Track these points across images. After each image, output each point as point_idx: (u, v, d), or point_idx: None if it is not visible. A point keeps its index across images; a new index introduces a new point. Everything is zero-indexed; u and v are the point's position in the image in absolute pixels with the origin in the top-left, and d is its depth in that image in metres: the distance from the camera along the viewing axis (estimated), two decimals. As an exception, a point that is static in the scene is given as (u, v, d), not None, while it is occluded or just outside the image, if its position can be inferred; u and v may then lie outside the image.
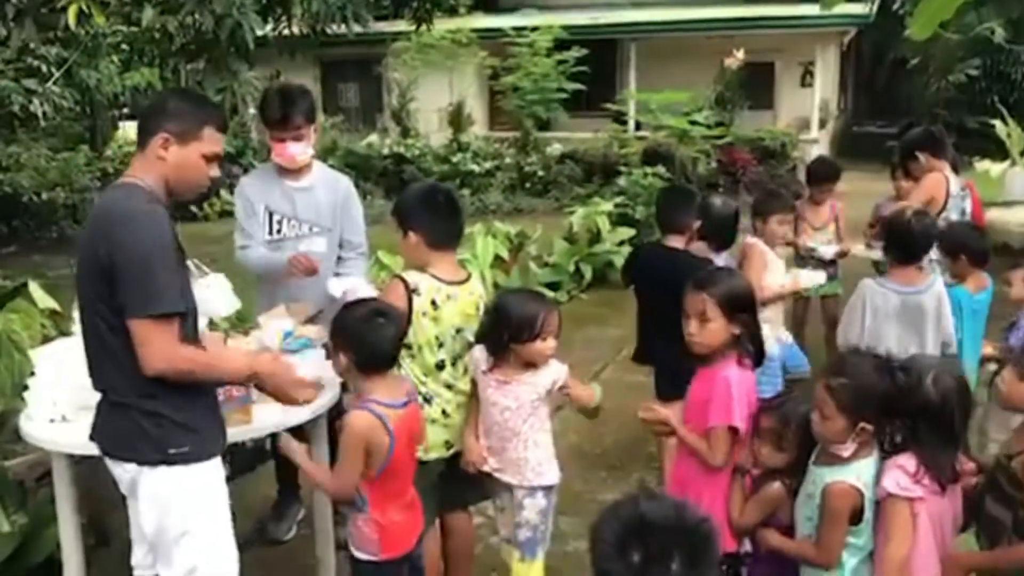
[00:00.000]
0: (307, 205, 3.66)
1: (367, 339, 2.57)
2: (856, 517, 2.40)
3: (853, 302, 3.79)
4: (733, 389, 2.66)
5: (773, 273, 4.22)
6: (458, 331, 3.02)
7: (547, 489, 3.03)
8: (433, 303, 2.94)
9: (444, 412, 3.03)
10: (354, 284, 3.55)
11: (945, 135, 5.19)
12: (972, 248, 4.02)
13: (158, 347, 2.32)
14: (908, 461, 2.35)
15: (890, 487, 2.33)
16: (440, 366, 3.02)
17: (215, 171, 2.56)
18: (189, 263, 2.64)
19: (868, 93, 23.19)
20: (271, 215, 3.67)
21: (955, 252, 4.03)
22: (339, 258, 3.76)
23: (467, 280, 3.07)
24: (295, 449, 2.78)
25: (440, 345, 2.99)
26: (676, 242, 3.91)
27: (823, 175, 5.49)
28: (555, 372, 2.96)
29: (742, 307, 2.71)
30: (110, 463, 2.56)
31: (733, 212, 4.22)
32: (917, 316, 3.65)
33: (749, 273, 3.93)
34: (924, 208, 4.20)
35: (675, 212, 3.97)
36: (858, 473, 2.39)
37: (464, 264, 3.29)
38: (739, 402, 2.65)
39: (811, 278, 4.51)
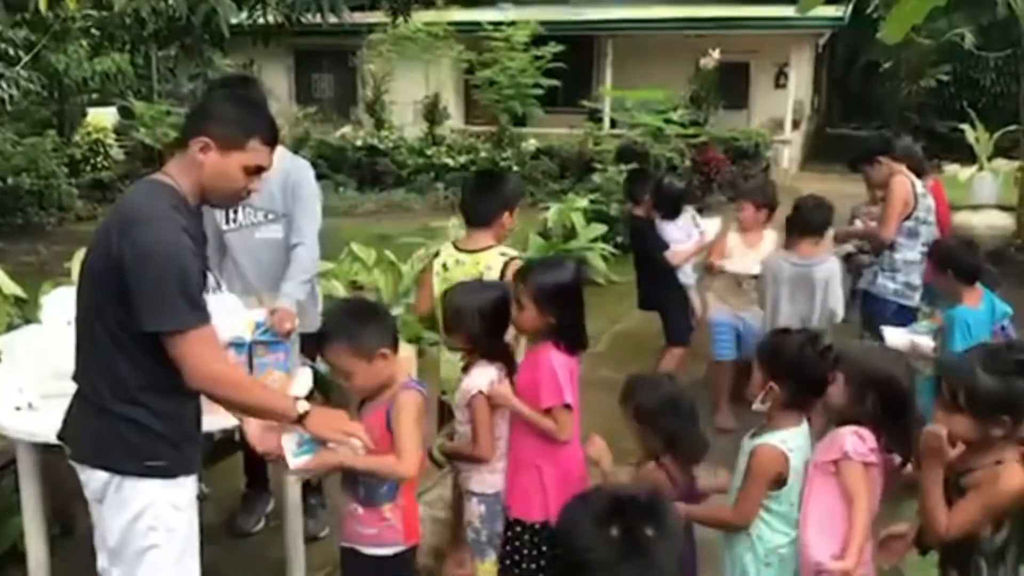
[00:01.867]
0: (261, 191, 3.58)
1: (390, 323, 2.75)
2: (779, 483, 2.52)
3: (763, 272, 4.55)
4: (557, 371, 2.82)
5: (735, 256, 4.87)
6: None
7: (485, 497, 3.02)
8: (444, 265, 3.47)
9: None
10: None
11: (894, 139, 5.29)
12: (959, 262, 3.97)
13: (201, 358, 2.25)
14: (866, 431, 2.47)
15: (848, 449, 2.44)
16: None
17: (255, 184, 2.42)
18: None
19: (841, 95, 23.45)
20: None
21: (943, 266, 4.01)
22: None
23: (482, 251, 3.42)
24: (345, 457, 2.54)
25: None
26: (638, 210, 5.35)
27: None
28: (488, 375, 2.92)
29: (554, 298, 2.82)
30: (77, 467, 2.42)
31: (679, 190, 5.39)
32: (807, 285, 4.34)
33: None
34: (822, 198, 4.57)
35: (634, 188, 5.46)
36: (784, 439, 2.52)
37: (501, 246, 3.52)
38: (565, 382, 2.82)
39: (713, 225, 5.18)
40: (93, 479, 2.39)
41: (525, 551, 2.92)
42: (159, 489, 2.36)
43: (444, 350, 3.32)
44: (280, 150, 3.69)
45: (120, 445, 2.32)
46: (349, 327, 2.57)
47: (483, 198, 3.54)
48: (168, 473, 2.37)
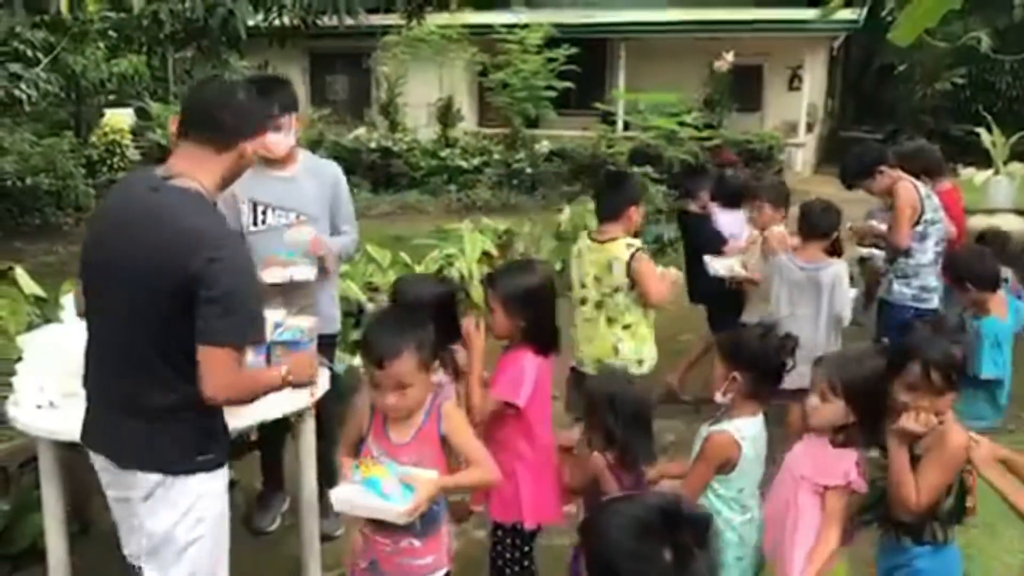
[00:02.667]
0: (292, 194, 3.62)
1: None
2: (729, 469, 2.60)
3: (771, 274, 4.57)
4: (526, 372, 2.82)
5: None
6: (596, 278, 3.91)
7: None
8: (579, 252, 4.05)
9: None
10: (288, 274, 3.45)
11: (887, 146, 5.24)
12: (975, 272, 3.92)
13: (225, 375, 2.26)
14: (855, 456, 2.52)
15: (852, 479, 2.48)
16: (583, 301, 4.03)
17: None
18: None
19: (855, 98, 23.33)
20: (255, 206, 3.63)
21: (960, 279, 3.97)
22: None
23: (609, 242, 3.88)
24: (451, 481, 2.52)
25: (582, 285, 4.01)
26: (693, 205, 5.41)
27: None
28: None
29: (522, 301, 2.84)
30: (121, 474, 2.43)
31: (740, 181, 5.46)
32: (813, 288, 4.35)
33: None
34: (829, 201, 4.59)
35: (690, 183, 5.53)
36: (739, 427, 2.60)
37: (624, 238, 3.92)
38: (528, 384, 2.82)
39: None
40: (144, 482, 2.39)
41: (508, 554, 2.96)
42: (207, 482, 2.43)
43: (580, 324, 3.99)
44: (304, 152, 3.75)
45: (172, 445, 2.36)
46: (416, 335, 2.38)
47: (612, 195, 4.01)
48: (215, 465, 2.44)
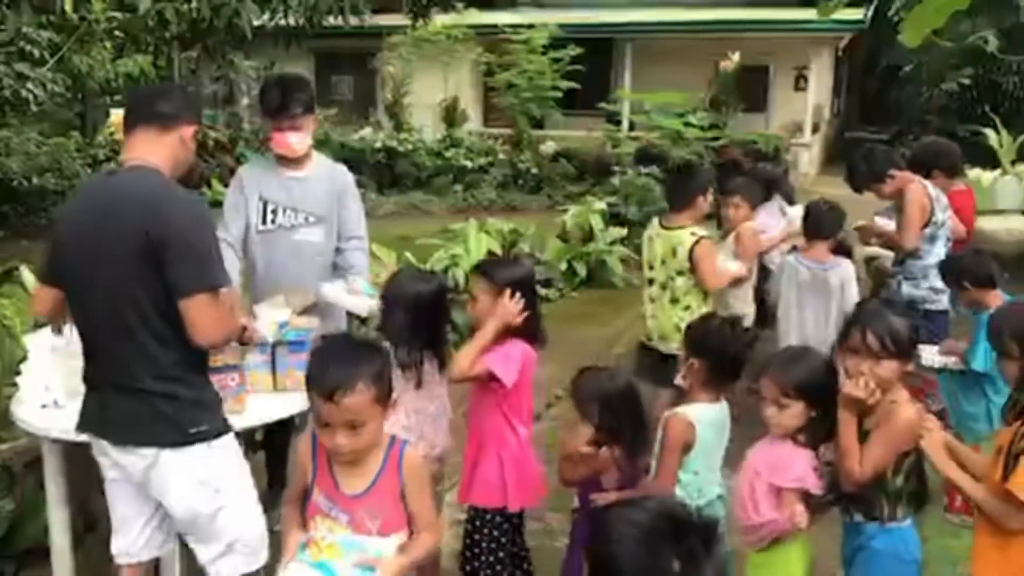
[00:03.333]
0: (303, 195, 3.64)
1: None
2: (686, 451, 2.68)
3: (777, 273, 4.64)
4: (516, 354, 2.86)
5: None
6: (662, 262, 4.20)
7: None
8: (650, 238, 4.31)
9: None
10: (343, 298, 3.53)
11: (894, 148, 5.20)
12: (972, 273, 3.93)
13: (217, 318, 2.44)
14: (811, 457, 2.55)
15: (809, 485, 2.51)
16: (651, 281, 4.32)
17: None
18: None
19: (861, 99, 23.31)
20: (265, 204, 3.65)
21: (958, 282, 3.97)
22: (338, 249, 3.73)
23: (676, 229, 4.17)
24: None
25: (651, 267, 4.31)
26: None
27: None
28: None
29: (512, 293, 2.85)
30: (119, 452, 2.52)
31: (771, 174, 5.58)
32: (822, 288, 4.37)
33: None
34: (834, 201, 4.60)
35: (724, 179, 5.14)
36: (694, 411, 2.71)
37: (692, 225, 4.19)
38: (516, 366, 2.85)
39: (799, 212, 4.78)
40: (138, 460, 2.49)
41: (484, 544, 2.97)
42: (207, 453, 2.51)
43: (648, 302, 4.33)
44: (318, 154, 3.76)
45: (160, 420, 2.45)
46: (373, 365, 2.12)
47: (682, 185, 4.27)
48: (210, 435, 2.52)
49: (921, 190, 4.59)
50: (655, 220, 4.39)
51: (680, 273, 4.16)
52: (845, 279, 4.35)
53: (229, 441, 2.60)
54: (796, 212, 5.24)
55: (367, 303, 3.50)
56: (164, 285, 2.36)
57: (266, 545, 2.71)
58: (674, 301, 4.21)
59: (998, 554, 2.38)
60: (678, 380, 2.84)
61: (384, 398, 2.13)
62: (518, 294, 2.86)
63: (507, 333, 2.89)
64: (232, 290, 2.92)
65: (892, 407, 2.43)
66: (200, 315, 2.38)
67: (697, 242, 4.09)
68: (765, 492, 2.53)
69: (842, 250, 4.59)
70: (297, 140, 3.55)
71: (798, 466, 2.50)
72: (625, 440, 2.75)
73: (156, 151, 2.52)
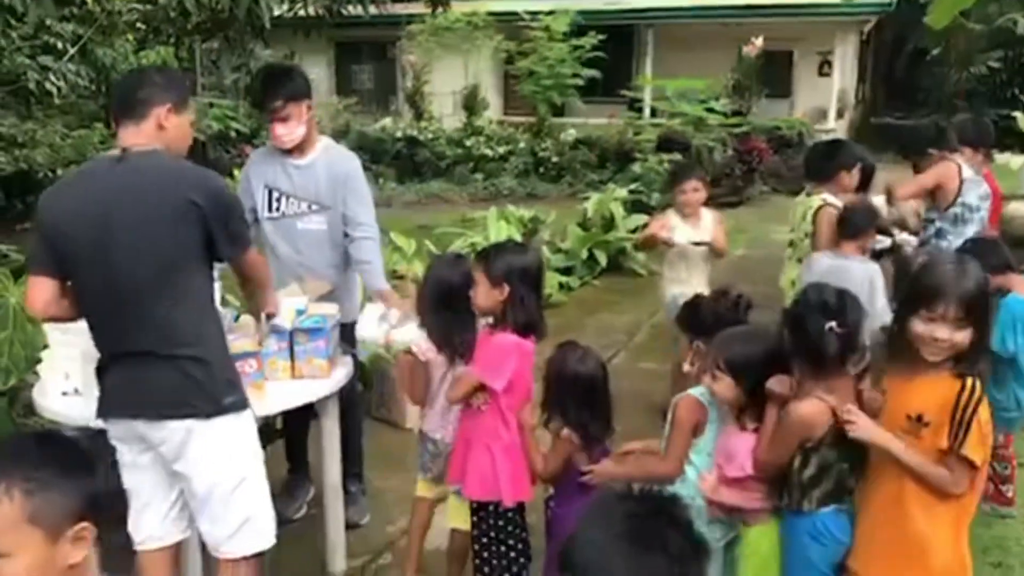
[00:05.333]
0: (306, 183, 3.61)
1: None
2: (698, 432, 2.67)
3: (803, 270, 4.55)
4: (506, 354, 2.80)
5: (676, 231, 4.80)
6: (799, 223, 4.60)
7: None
8: (796, 203, 4.73)
9: None
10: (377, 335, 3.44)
11: (951, 129, 5.10)
12: (990, 260, 3.76)
13: (262, 263, 2.81)
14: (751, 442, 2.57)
15: (747, 469, 2.55)
16: (790, 243, 4.74)
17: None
18: None
19: (887, 83, 22.97)
20: (270, 192, 3.64)
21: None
22: (345, 235, 3.68)
23: (814, 196, 4.50)
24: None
25: (792, 230, 4.71)
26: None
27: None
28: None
29: (504, 280, 2.80)
30: (151, 428, 2.52)
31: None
32: (843, 280, 4.05)
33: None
34: (871, 204, 4.53)
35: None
36: (702, 391, 2.66)
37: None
38: (508, 367, 2.79)
39: (684, 234, 4.76)
40: (174, 433, 2.50)
41: (492, 535, 2.94)
42: (236, 424, 2.56)
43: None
44: (325, 141, 3.73)
45: (196, 390, 2.49)
46: (33, 476, 1.49)
47: (822, 160, 4.65)
48: (240, 407, 2.58)
49: (951, 167, 4.54)
50: (807, 187, 4.83)
51: (807, 235, 4.53)
52: (869, 279, 4.23)
53: (250, 416, 2.65)
54: (878, 201, 5.18)
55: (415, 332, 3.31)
56: (205, 249, 2.49)
57: (274, 526, 2.72)
58: (799, 260, 4.58)
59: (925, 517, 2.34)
60: (685, 367, 2.80)
61: (46, 523, 1.47)
62: (512, 281, 2.80)
63: (498, 321, 2.84)
64: None
65: (792, 404, 2.45)
66: (252, 267, 2.70)
67: (821, 207, 4.41)
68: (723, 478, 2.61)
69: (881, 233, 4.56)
70: (285, 131, 3.51)
71: (740, 454, 2.56)
72: (577, 422, 2.73)
73: (142, 138, 2.53)
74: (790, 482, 2.50)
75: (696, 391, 2.70)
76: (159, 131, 2.55)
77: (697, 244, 4.76)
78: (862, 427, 2.36)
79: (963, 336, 2.23)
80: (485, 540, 2.96)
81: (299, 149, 3.59)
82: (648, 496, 1.43)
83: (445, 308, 3.01)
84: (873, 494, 2.45)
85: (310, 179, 3.60)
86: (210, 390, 2.50)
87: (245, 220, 2.74)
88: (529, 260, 2.91)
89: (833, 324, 2.40)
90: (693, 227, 4.78)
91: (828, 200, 4.43)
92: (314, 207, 3.61)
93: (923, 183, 4.61)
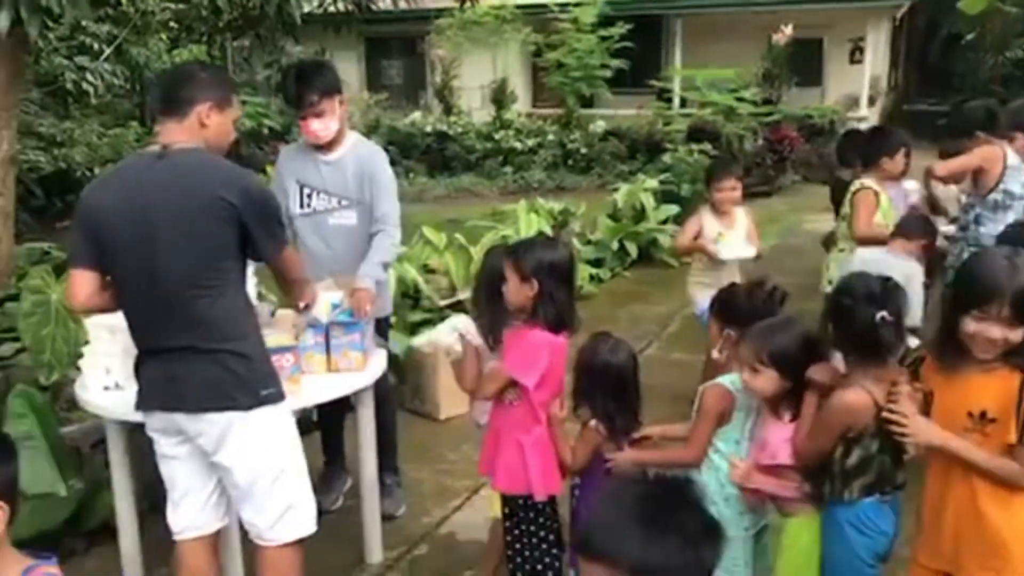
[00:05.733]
0: (335, 178, 3.64)
1: None
2: (724, 420, 2.67)
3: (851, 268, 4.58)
4: (538, 350, 2.78)
5: (701, 232, 4.72)
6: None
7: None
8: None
9: None
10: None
11: (1000, 111, 4.99)
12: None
13: (299, 263, 2.81)
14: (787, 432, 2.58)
15: (778, 458, 2.57)
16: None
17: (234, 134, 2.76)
18: None
19: (921, 69, 22.62)
20: (302, 188, 3.68)
21: None
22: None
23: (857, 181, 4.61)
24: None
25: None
26: (845, 174, 5.35)
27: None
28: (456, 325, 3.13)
29: (533, 276, 2.78)
30: (190, 420, 2.56)
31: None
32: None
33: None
34: (927, 217, 4.56)
35: (845, 150, 5.53)
36: (733, 380, 2.67)
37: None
38: (539, 364, 2.77)
39: (732, 250, 4.63)
40: (213, 426, 2.54)
41: (524, 526, 2.94)
42: (276, 415, 2.61)
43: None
44: (354, 136, 3.76)
45: (236, 383, 2.52)
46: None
47: (866, 147, 4.75)
48: (279, 398, 2.62)
49: (996, 151, 4.46)
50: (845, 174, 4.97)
51: (844, 218, 4.61)
52: (908, 278, 4.19)
53: (288, 407, 2.70)
54: (912, 186, 5.17)
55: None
56: (240, 247, 2.52)
57: (315, 514, 2.77)
58: (837, 244, 4.69)
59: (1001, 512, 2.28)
60: (714, 354, 2.81)
61: None
62: (541, 276, 2.78)
63: (527, 316, 2.83)
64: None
65: (837, 390, 2.43)
66: (290, 266, 2.71)
67: (859, 190, 4.46)
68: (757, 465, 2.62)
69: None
70: (321, 126, 3.54)
71: (773, 442, 2.56)
72: (605, 413, 2.75)
73: (183, 135, 2.56)
74: (831, 471, 2.48)
75: (725, 379, 2.70)
76: (201, 128, 2.58)
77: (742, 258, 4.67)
78: (922, 433, 2.30)
79: (1017, 334, 2.16)
80: (517, 532, 2.97)
81: (329, 145, 3.62)
82: (662, 480, 1.43)
83: (500, 298, 2.99)
84: (942, 490, 2.36)
85: (340, 174, 3.63)
86: (250, 383, 2.54)
87: (281, 220, 2.75)
88: (558, 255, 2.88)
89: (884, 313, 2.38)
90: (727, 226, 4.69)
91: (866, 183, 4.46)
92: (344, 202, 3.64)
93: (967, 163, 4.50)
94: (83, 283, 2.57)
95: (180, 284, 2.48)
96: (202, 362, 2.52)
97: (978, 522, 2.28)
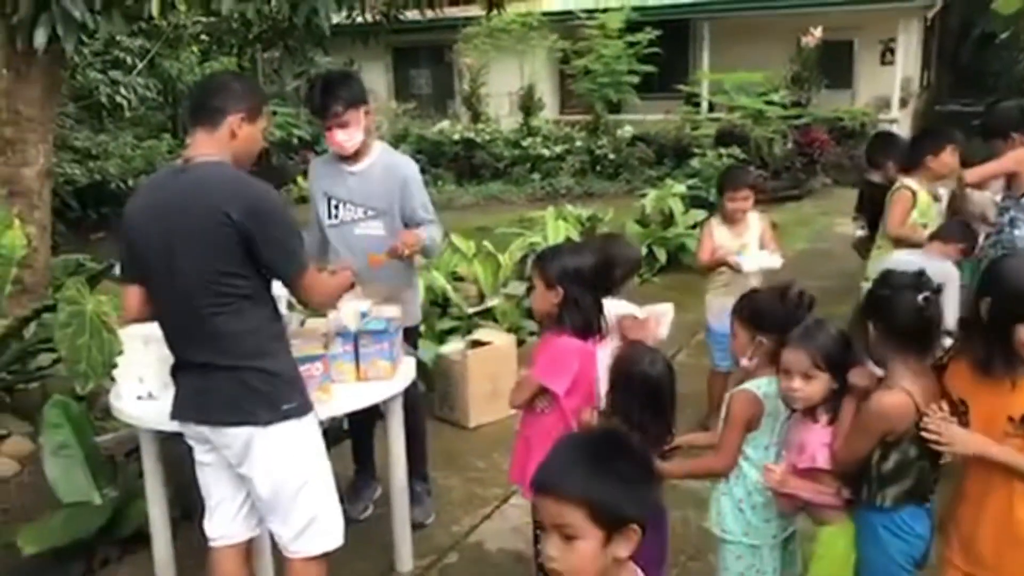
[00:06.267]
0: (362, 189, 3.65)
1: None
2: (753, 426, 2.66)
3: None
4: (566, 356, 2.79)
5: (717, 245, 4.59)
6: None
7: None
8: None
9: None
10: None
11: None
12: None
13: (318, 290, 2.70)
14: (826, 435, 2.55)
15: (820, 462, 2.54)
16: None
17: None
18: None
19: (953, 70, 22.32)
20: (330, 199, 3.70)
21: None
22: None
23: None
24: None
25: None
26: (876, 176, 5.23)
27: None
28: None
29: (558, 282, 2.80)
30: (214, 433, 2.60)
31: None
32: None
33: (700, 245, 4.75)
34: (969, 224, 4.42)
35: (875, 152, 5.33)
36: (759, 385, 2.66)
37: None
38: (568, 370, 2.79)
39: (756, 262, 4.49)
40: (233, 440, 2.57)
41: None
42: (299, 428, 2.60)
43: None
44: (381, 146, 3.78)
45: (256, 398, 2.53)
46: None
47: (910, 149, 4.68)
48: (302, 412, 2.62)
49: None
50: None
51: (884, 216, 4.60)
52: (947, 279, 4.13)
53: (313, 419, 2.69)
54: (944, 189, 5.00)
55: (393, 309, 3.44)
56: (253, 264, 2.49)
57: (341, 527, 2.78)
58: (876, 240, 4.70)
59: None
60: (744, 361, 2.75)
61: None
62: (566, 283, 2.78)
63: (561, 327, 2.82)
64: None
65: (874, 392, 2.39)
66: (309, 291, 2.65)
67: (897, 189, 4.46)
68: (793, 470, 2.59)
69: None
70: (345, 137, 3.55)
71: (811, 445, 2.53)
72: (639, 424, 2.69)
73: (212, 147, 2.57)
74: (868, 475, 2.45)
75: (751, 385, 2.68)
76: (231, 139, 2.59)
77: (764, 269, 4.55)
78: (960, 443, 2.28)
79: None
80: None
81: (355, 155, 3.64)
82: (604, 431, 1.68)
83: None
84: (980, 497, 2.35)
85: (366, 185, 3.66)
86: (271, 398, 2.54)
87: (297, 240, 2.60)
88: (582, 261, 2.87)
89: (927, 294, 2.38)
90: (739, 234, 4.58)
91: (905, 183, 4.46)
92: (370, 212, 3.66)
93: (999, 167, 4.44)
94: (132, 296, 2.66)
95: (196, 299, 2.50)
96: (223, 378, 2.54)
97: (1016, 529, 2.26)
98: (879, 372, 2.48)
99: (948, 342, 2.65)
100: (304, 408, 2.64)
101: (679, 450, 2.91)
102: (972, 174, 4.52)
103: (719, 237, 4.59)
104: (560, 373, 2.79)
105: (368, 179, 3.66)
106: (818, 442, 2.53)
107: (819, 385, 2.49)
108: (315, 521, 2.68)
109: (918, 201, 4.44)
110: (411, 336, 3.83)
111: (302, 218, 4.09)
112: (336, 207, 3.69)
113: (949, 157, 4.45)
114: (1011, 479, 2.25)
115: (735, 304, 2.86)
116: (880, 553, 2.47)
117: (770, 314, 2.73)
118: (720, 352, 4.71)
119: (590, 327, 2.84)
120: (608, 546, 1.54)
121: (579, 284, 2.80)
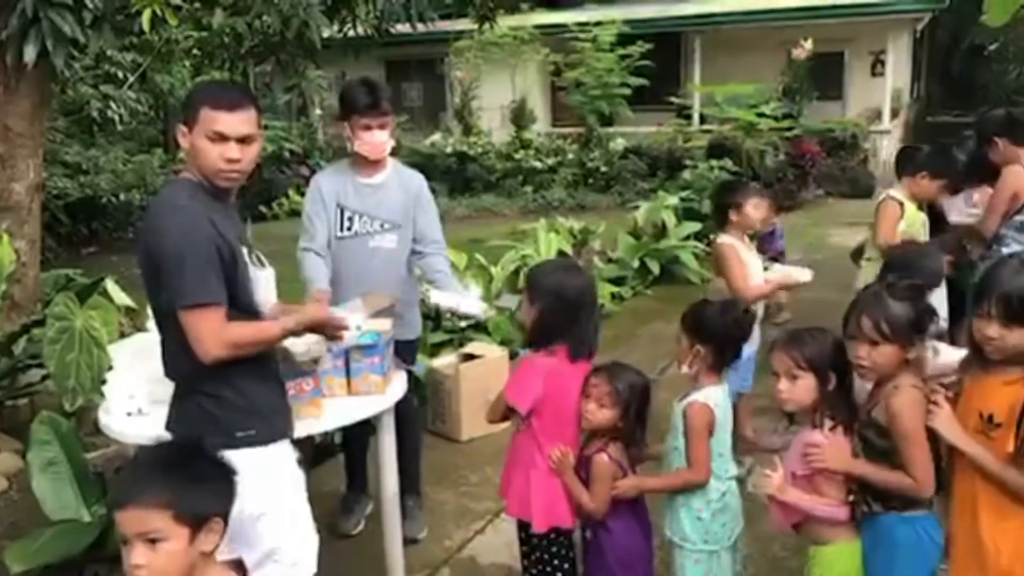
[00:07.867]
0: (379, 201, 3.65)
1: None
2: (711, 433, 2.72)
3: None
4: (535, 375, 2.76)
5: (751, 270, 4.16)
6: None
7: None
8: None
9: None
10: (457, 302, 3.60)
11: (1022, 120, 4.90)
12: None
13: (204, 336, 2.34)
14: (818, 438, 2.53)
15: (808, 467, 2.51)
16: None
17: (232, 151, 2.41)
18: (251, 255, 2.59)
19: (943, 81, 22.47)
20: (343, 211, 3.68)
21: None
22: (415, 252, 3.73)
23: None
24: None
25: None
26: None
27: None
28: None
29: (538, 299, 2.77)
30: None
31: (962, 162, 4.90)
32: None
33: (729, 276, 4.09)
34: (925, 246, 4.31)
35: (903, 166, 4.89)
36: (707, 395, 2.74)
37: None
38: (533, 389, 2.74)
39: (803, 274, 4.31)
40: None
41: (537, 553, 2.91)
42: (253, 458, 2.45)
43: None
44: (392, 162, 3.78)
45: (207, 422, 2.46)
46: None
47: (900, 165, 4.79)
48: (258, 441, 2.50)
49: (1019, 174, 4.38)
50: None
51: (872, 227, 4.73)
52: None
53: (280, 449, 2.57)
54: (980, 198, 4.84)
55: (481, 305, 3.60)
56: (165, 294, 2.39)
57: (313, 556, 2.66)
58: (867, 259, 4.73)
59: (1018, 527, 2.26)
60: (683, 368, 2.81)
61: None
62: (545, 301, 2.73)
63: (541, 346, 2.78)
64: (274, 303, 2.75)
65: (892, 392, 2.38)
66: (190, 330, 2.35)
67: (883, 200, 4.60)
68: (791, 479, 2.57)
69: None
70: (384, 139, 3.57)
71: (800, 450, 2.52)
72: (627, 436, 2.77)
73: (188, 162, 2.53)
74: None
75: (699, 395, 2.73)
76: (188, 154, 2.51)
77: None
78: (940, 425, 2.31)
79: (1014, 335, 2.18)
80: (533, 557, 2.95)
81: (373, 166, 3.64)
82: (176, 441, 2.03)
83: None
84: (952, 498, 2.39)
85: (383, 198, 3.65)
86: (223, 425, 2.46)
87: (187, 273, 2.32)
88: (571, 282, 2.77)
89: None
90: (750, 248, 4.34)
91: (891, 194, 4.61)
92: (385, 225, 3.66)
93: (1002, 197, 4.41)
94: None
95: (160, 325, 2.53)
96: (183, 400, 2.54)
97: (974, 529, 2.28)
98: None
99: (941, 346, 2.73)
100: (264, 438, 2.52)
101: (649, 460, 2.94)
102: (991, 222, 4.44)
103: (746, 257, 4.18)
104: (522, 391, 2.75)
105: (386, 191, 3.66)
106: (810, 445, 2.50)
107: (804, 387, 2.49)
108: (275, 553, 2.55)
109: (905, 213, 4.55)
110: (411, 349, 3.82)
111: (292, 232, 4.09)
112: (350, 219, 3.66)
113: (925, 182, 4.57)
114: (975, 480, 2.27)
115: (684, 312, 2.90)
116: (899, 562, 2.42)
117: (710, 326, 2.78)
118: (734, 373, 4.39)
119: (579, 347, 2.77)
120: (194, 543, 1.73)
121: (556, 303, 2.72)
